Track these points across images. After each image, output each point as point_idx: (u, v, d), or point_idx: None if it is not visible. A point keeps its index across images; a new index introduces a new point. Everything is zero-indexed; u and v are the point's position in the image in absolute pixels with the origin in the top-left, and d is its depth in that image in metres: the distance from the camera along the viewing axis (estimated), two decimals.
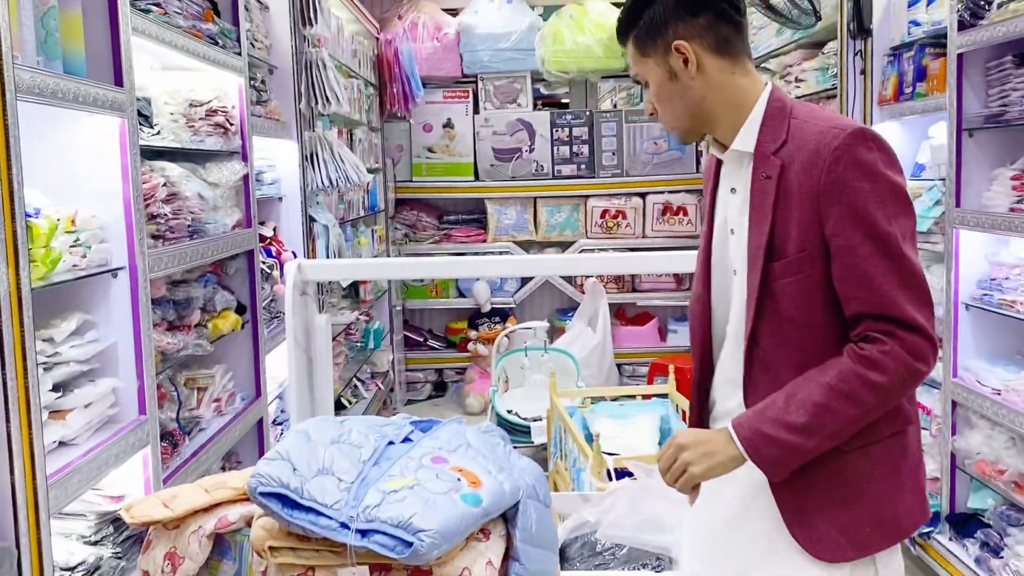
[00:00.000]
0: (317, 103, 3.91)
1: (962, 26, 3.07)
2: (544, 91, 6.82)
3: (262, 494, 1.49)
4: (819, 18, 3.46)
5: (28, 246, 1.84)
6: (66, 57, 2.07)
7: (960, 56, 3.12)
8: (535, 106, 6.70)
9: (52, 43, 2.01)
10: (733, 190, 1.60)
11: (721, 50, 1.55)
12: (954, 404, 3.23)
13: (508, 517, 1.63)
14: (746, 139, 1.55)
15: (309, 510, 1.48)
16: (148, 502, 1.76)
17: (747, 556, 1.58)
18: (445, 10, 6.58)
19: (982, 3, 2.96)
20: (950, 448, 3.25)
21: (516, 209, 6.56)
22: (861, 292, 1.43)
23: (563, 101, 7.08)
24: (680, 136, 1.65)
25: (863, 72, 3.74)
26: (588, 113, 6.56)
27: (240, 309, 3.22)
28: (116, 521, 2.29)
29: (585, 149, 6.52)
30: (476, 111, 6.56)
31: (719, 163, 1.66)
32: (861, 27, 3.57)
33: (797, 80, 4.47)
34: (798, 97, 4.47)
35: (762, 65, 5.00)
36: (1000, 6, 2.87)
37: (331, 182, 3.89)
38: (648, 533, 2.51)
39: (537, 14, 6.54)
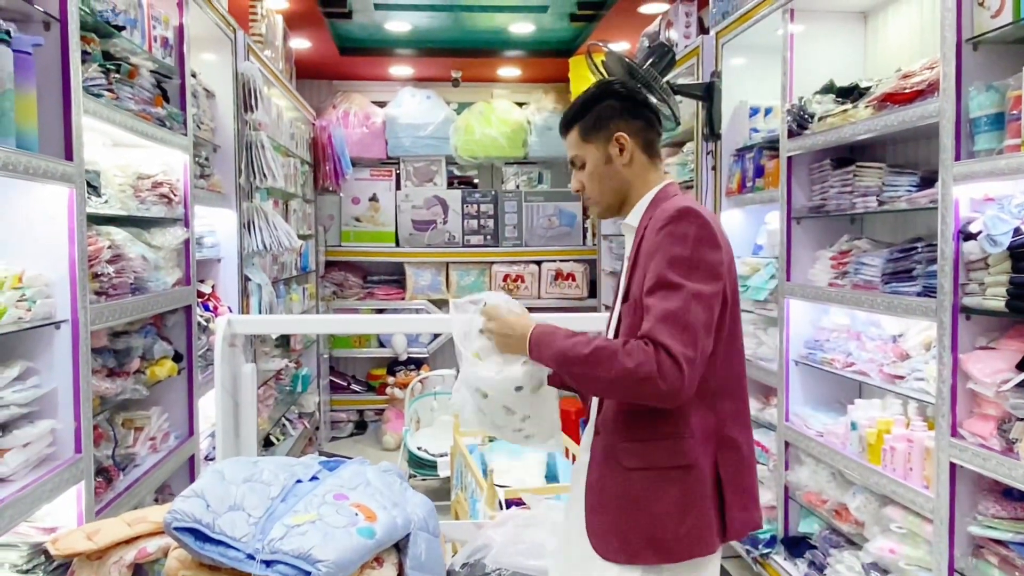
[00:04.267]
0: (255, 178, 3.85)
1: (791, 134, 3.25)
2: (457, 172, 6.90)
3: (176, 528, 1.43)
4: (679, 123, 3.60)
5: None
6: (19, 134, 1.99)
7: (790, 158, 3.29)
8: (449, 185, 6.76)
9: (6, 122, 1.93)
10: (627, 257, 1.72)
11: (647, 149, 1.71)
12: (787, 444, 3.33)
13: (400, 547, 1.60)
14: (634, 217, 1.69)
15: (219, 543, 1.42)
16: (73, 535, 1.66)
17: (575, 558, 1.67)
18: (374, 102, 6.64)
19: (806, 116, 3.14)
20: (784, 481, 3.35)
21: (431, 272, 6.56)
22: (644, 320, 1.52)
23: (474, 181, 7.15)
24: (600, 211, 1.74)
25: (714, 168, 3.91)
26: (494, 192, 6.65)
27: (177, 357, 3.10)
28: (48, 551, 2.14)
29: (491, 223, 6.59)
30: (398, 188, 6.59)
31: None
32: (712, 132, 3.74)
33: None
34: None
35: None
36: (820, 119, 3.05)
37: (265, 246, 3.83)
38: (530, 558, 2.49)
39: (452, 109, 6.65)
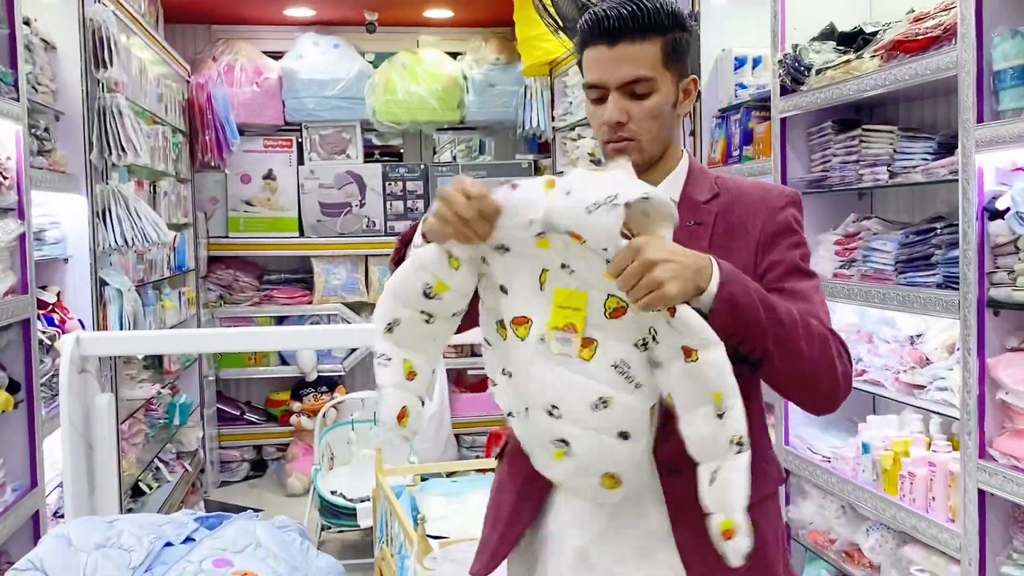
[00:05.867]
0: (111, 153, 3.79)
1: (784, 91, 3.31)
2: (376, 141, 6.87)
3: None
4: None
5: None
6: None
7: (783, 120, 3.34)
8: (366, 157, 6.73)
9: None
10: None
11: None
12: (787, 472, 3.40)
13: None
14: (672, 187, 1.63)
15: None
16: None
17: None
18: (266, 53, 6.56)
19: (801, 69, 3.20)
20: (784, 519, 3.42)
21: (346, 268, 6.53)
22: (800, 304, 1.52)
23: (398, 152, 7.14)
24: (641, 158, 1.59)
25: (692, 133, 3.97)
26: (423, 166, 6.65)
27: (13, 387, 3.04)
28: None
29: (421, 204, 6.59)
30: (300, 162, 6.55)
31: None
32: None
33: None
34: None
35: None
36: (819, 72, 3.12)
37: (126, 241, 3.77)
38: None
39: (367, 61, 6.62)
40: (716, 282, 1.40)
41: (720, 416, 1.37)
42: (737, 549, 1.36)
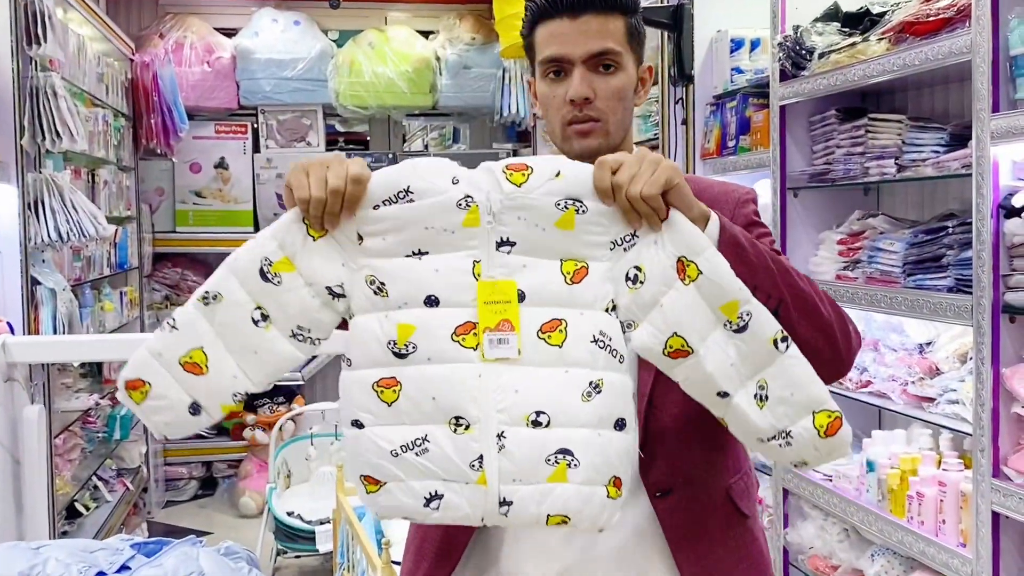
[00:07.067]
0: (44, 138, 3.76)
1: (784, 76, 3.32)
2: (339, 128, 6.86)
3: None
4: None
5: None
6: None
7: (783, 108, 3.35)
8: (328, 145, 6.72)
9: None
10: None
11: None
12: (785, 493, 3.41)
13: None
14: None
15: None
16: None
17: None
18: (218, 30, 6.54)
19: (803, 52, 3.21)
20: (782, 542, 3.43)
21: None
22: None
23: (364, 139, 7.12)
24: (604, 142, 1.61)
25: (685, 122, 3.97)
26: (392, 155, 6.62)
27: None
28: None
29: None
30: (256, 149, 6.54)
31: None
32: (682, 73, 3.80)
33: None
34: None
35: None
36: (822, 56, 3.13)
37: (60, 235, 3.74)
38: None
39: (331, 39, 6.60)
40: (716, 221, 1.41)
41: (741, 329, 1.35)
42: (847, 436, 1.37)
